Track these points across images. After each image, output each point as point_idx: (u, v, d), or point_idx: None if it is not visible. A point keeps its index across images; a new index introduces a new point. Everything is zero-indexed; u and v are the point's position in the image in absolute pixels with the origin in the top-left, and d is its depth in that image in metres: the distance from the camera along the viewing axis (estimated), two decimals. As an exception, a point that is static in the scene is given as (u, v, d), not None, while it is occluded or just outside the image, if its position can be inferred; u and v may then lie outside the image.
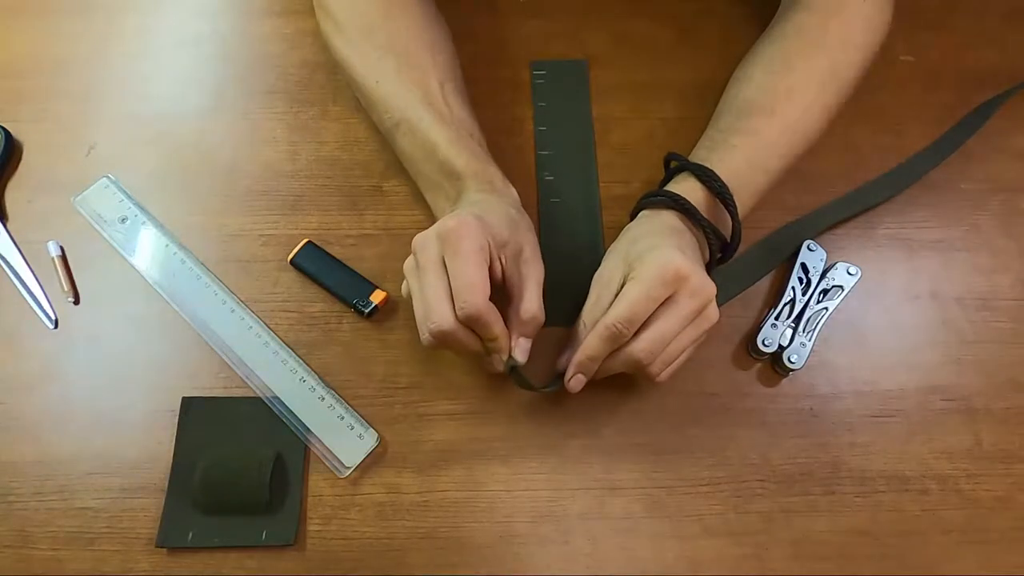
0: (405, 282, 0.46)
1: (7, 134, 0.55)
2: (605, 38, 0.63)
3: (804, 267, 0.53)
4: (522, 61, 0.62)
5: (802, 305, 0.52)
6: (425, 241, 0.44)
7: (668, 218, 0.48)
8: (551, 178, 0.56)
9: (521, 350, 0.45)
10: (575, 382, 0.46)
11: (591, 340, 0.44)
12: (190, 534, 0.45)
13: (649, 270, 0.42)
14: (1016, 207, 0.57)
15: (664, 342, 0.43)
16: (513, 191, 0.50)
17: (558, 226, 0.55)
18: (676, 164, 0.51)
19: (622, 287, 0.44)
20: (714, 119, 0.55)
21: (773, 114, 0.51)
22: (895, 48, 0.62)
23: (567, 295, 0.50)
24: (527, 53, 0.62)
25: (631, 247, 0.46)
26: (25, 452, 0.47)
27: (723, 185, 0.48)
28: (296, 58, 0.61)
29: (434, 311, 0.42)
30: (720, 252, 0.49)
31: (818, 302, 0.52)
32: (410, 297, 0.45)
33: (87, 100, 0.58)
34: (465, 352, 0.45)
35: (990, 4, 0.66)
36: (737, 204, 0.48)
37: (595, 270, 0.49)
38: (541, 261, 0.47)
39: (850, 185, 0.57)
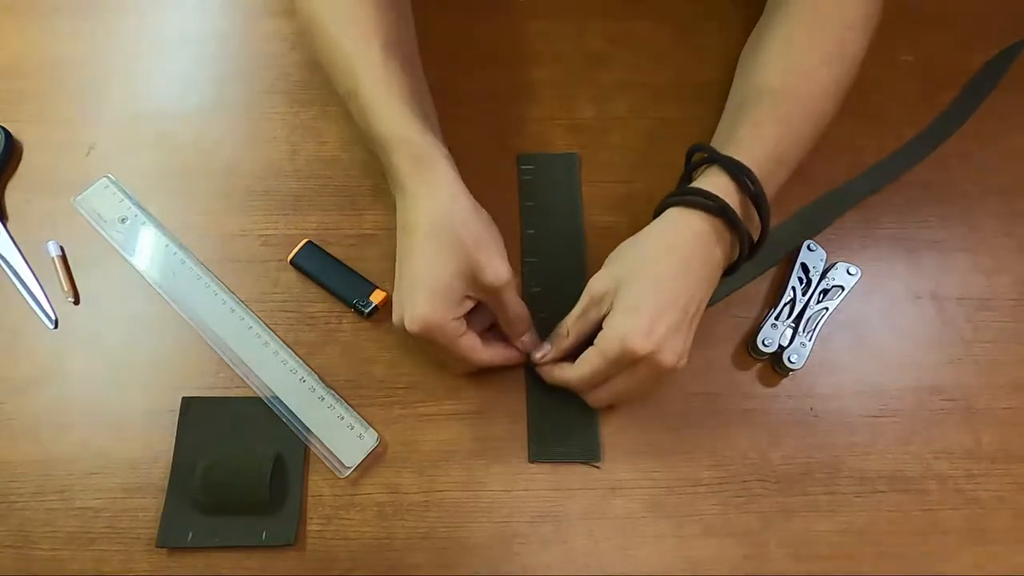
0: None
1: (7, 134, 0.55)
2: (605, 38, 0.63)
3: (804, 267, 0.53)
4: (522, 59, 0.61)
5: (802, 305, 0.52)
6: (404, 329, 0.44)
7: (694, 222, 0.45)
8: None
9: (528, 346, 0.48)
10: (544, 373, 0.48)
11: (556, 375, 0.47)
12: (190, 534, 0.45)
13: (612, 342, 0.43)
14: (1016, 207, 0.57)
15: (616, 398, 0.47)
16: (442, 159, 0.45)
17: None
18: (703, 156, 0.48)
19: (609, 308, 0.44)
20: (734, 107, 0.52)
21: (798, 99, 0.49)
22: (895, 48, 0.62)
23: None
24: (527, 52, 0.62)
25: (630, 267, 0.45)
26: (25, 452, 0.47)
27: (759, 187, 0.45)
28: (296, 58, 0.61)
29: (459, 369, 0.49)
30: (748, 254, 0.47)
31: (818, 302, 0.52)
32: None
33: (87, 100, 0.58)
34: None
35: (990, 4, 0.66)
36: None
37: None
38: (499, 255, 0.44)
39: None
